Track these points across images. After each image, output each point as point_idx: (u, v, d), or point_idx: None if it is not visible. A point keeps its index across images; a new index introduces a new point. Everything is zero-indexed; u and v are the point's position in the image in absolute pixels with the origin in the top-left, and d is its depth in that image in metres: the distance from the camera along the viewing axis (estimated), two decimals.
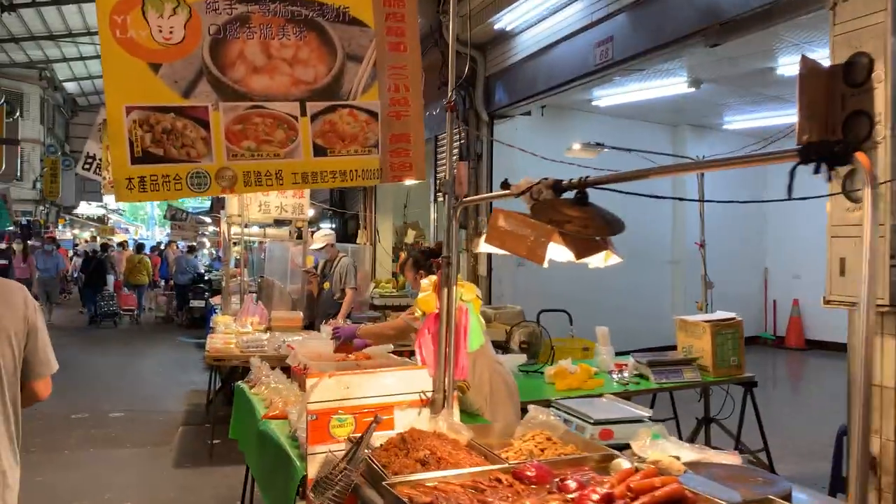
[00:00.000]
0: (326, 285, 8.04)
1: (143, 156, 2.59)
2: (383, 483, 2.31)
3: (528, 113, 8.73)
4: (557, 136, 8.94)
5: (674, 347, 10.14)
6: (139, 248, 21.02)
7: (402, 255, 13.61)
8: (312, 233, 8.66)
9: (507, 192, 2.54)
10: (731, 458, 2.71)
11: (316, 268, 8.41)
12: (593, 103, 9.25)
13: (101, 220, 34.67)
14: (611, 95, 8.81)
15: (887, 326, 3.79)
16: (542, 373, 5.02)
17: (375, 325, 4.50)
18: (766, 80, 7.94)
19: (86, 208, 31.32)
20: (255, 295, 8.40)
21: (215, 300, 12.75)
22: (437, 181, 10.36)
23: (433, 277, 3.08)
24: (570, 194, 2.29)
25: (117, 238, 30.63)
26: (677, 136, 11.17)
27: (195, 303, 15.98)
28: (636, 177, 2.22)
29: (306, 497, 2.83)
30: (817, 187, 2.65)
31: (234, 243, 9.21)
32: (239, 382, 4.74)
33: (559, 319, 8.84)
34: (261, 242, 12.97)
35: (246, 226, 8.15)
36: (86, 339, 14.43)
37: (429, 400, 3.00)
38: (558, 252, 2.22)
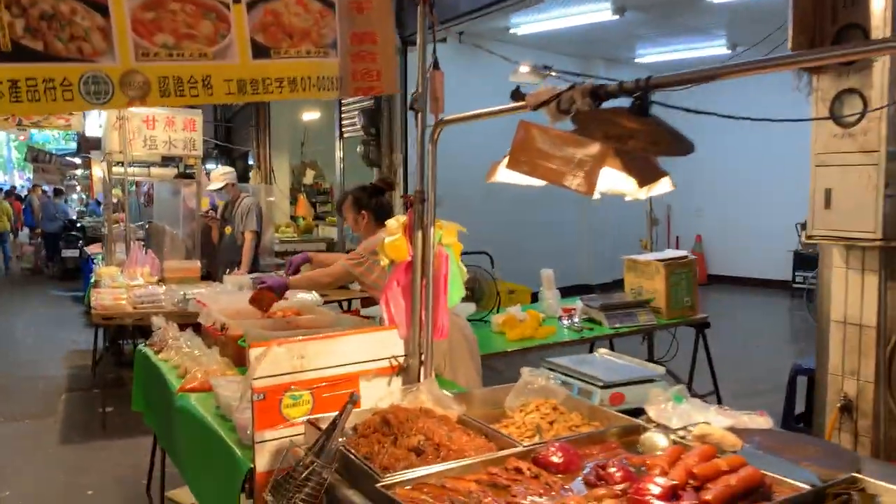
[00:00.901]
0: (228, 230, 7.23)
1: (14, 51, 1.83)
2: (377, 485, 1.77)
3: (444, 40, 8.07)
4: (474, 65, 8.38)
5: (588, 288, 10.02)
6: None
7: (301, 197, 12.84)
8: (207, 173, 7.76)
9: (518, 104, 1.99)
10: (762, 421, 2.34)
11: (215, 210, 7.55)
12: (511, 31, 8.70)
13: None
14: (531, 23, 8.29)
15: (869, 262, 3.55)
16: (487, 322, 4.58)
17: (309, 274, 3.86)
18: (693, 7, 7.67)
19: None
20: (142, 242, 7.47)
21: (92, 249, 11.52)
22: (342, 113, 9.58)
23: (401, 217, 2.50)
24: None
25: None
26: (590, 68, 10.79)
27: (67, 252, 14.54)
28: (708, 77, 1.72)
29: (257, 496, 2.25)
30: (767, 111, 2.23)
31: (115, 185, 8.14)
32: (141, 346, 4.01)
33: (479, 262, 8.43)
34: (137, 183, 11.75)
35: (130, 164, 7.15)
36: None
37: (400, 366, 2.46)
38: (609, 180, 1.70)
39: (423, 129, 2.42)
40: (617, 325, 4.45)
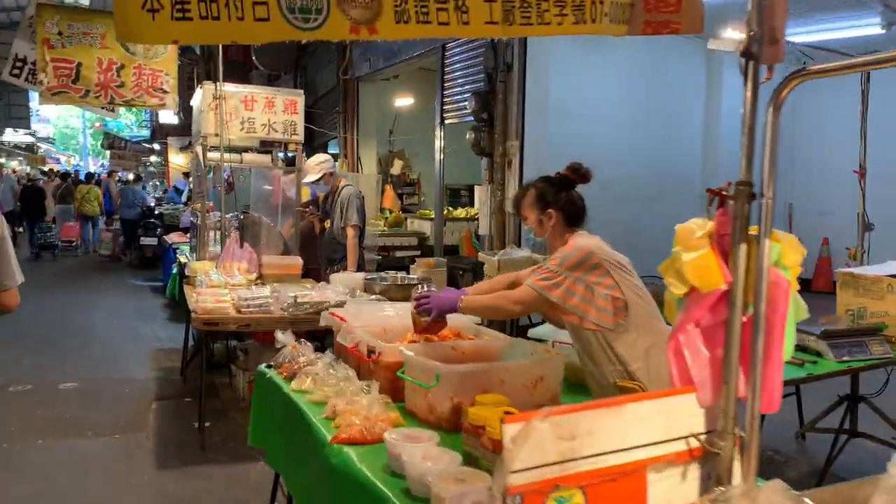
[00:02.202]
0: (327, 224, 6.52)
1: None
2: None
3: None
4: (599, 42, 7.47)
5: None
6: (88, 177, 19.31)
7: (388, 188, 12.10)
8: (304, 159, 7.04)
9: None
10: None
11: (315, 204, 6.85)
12: None
13: (31, 148, 31.72)
14: None
15: None
16: None
17: (486, 296, 2.98)
18: None
19: (12, 136, 28.40)
20: (238, 235, 6.81)
21: (171, 238, 11.02)
22: (444, 97, 8.78)
23: (702, 222, 1.65)
24: None
25: (47, 169, 28.11)
26: (713, 53, 9.70)
27: (146, 240, 14.22)
28: None
29: None
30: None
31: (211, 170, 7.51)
32: (263, 367, 3.27)
33: None
34: (215, 170, 11.16)
35: (226, 149, 6.47)
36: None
37: (703, 450, 1.63)
38: None
39: (756, 84, 1.56)
40: (846, 359, 3.52)
